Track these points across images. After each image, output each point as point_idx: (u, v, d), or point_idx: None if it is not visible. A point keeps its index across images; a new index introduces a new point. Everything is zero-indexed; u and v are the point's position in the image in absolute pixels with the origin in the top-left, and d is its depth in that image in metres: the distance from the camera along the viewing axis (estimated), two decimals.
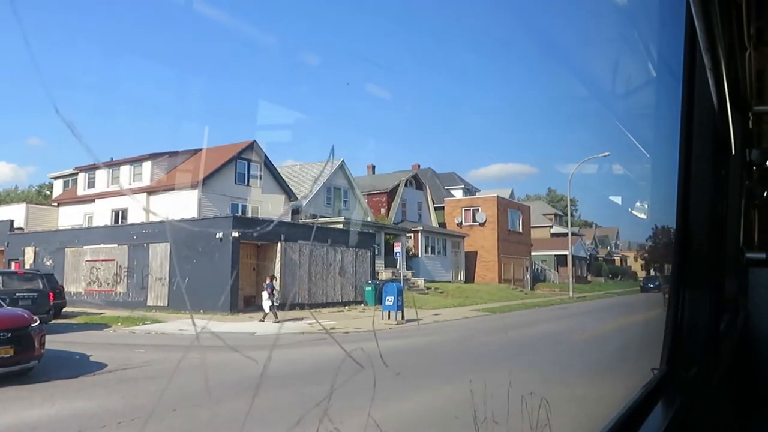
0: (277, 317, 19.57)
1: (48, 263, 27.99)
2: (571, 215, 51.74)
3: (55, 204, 37.48)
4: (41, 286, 18.83)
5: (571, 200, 51.08)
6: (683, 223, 2.18)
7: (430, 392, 8.13)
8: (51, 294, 19.06)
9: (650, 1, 2.82)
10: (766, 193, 4.17)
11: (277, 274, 25.11)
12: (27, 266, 27.33)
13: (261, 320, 19.89)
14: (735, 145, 2.66)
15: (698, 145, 2.34)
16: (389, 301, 20.71)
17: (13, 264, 28.55)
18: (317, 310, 24.35)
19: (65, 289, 23.19)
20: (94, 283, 27.19)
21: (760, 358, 3.15)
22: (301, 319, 18.46)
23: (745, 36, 2.81)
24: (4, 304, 10.45)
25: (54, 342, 10.35)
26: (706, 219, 2.26)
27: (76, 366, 10.32)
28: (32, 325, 9.56)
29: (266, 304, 20.61)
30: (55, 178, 40.02)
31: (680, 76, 2.39)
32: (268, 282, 21.15)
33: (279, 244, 25.29)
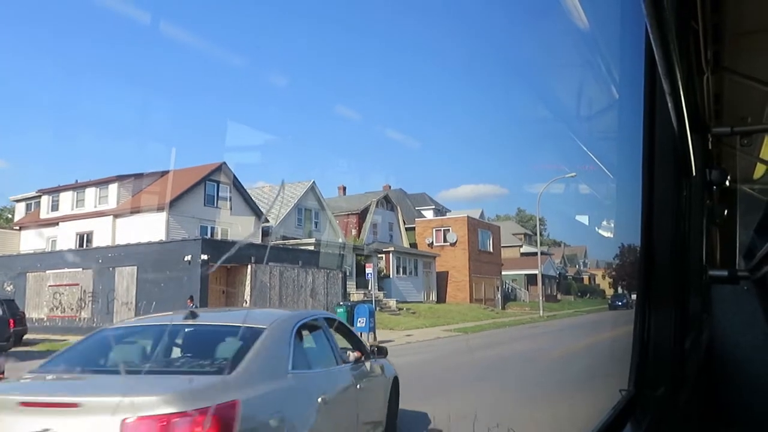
0: None
1: (8, 289, 27.14)
2: (541, 235, 52.43)
3: (17, 228, 36.50)
4: (1, 313, 18.22)
5: (540, 220, 51.80)
6: (647, 245, 2.22)
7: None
8: (11, 320, 18.45)
9: (611, 28, 2.91)
10: (726, 211, 4.30)
11: (247, 297, 24.78)
12: None
13: None
14: (695, 166, 2.74)
15: (660, 167, 2.40)
16: (361, 322, 20.59)
17: None
18: None
19: (27, 315, 22.47)
20: (57, 309, 26.44)
21: (725, 376, 3.21)
22: None
23: (702, 60, 2.91)
24: None
25: (14, 370, 9.98)
26: (670, 240, 2.31)
27: None
28: None
29: None
30: (18, 200, 39.03)
31: (641, 99, 2.46)
32: (190, 304, 20.13)
33: (249, 266, 25.01)
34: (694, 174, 2.69)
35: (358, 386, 5.26)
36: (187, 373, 3.96)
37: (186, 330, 4.74)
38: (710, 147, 3.45)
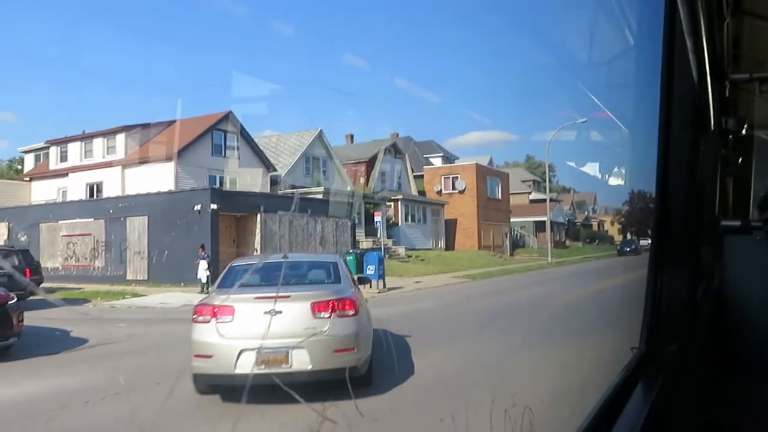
0: (208, 290, 18.07)
1: (23, 239, 27.53)
2: (550, 181, 52.12)
3: (27, 179, 36.68)
4: (17, 263, 18.53)
5: (549, 166, 51.40)
6: (662, 198, 2.18)
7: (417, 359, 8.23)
8: (27, 270, 18.78)
9: None
10: (740, 159, 4.22)
11: (257, 245, 25.01)
12: (1, 243, 26.84)
13: (200, 292, 18.74)
14: (713, 114, 2.67)
15: (677, 115, 2.34)
16: (371, 269, 20.81)
17: None
18: None
19: (42, 265, 22.86)
20: (71, 258, 26.85)
21: (735, 324, 3.22)
22: None
23: (723, 4, 2.80)
24: None
25: (33, 318, 10.24)
26: (685, 193, 2.27)
27: (57, 342, 10.24)
28: (9, 302, 9.43)
29: (204, 274, 19.77)
30: (26, 152, 39.08)
31: (659, 46, 2.38)
32: (201, 253, 20.37)
33: (258, 215, 25.14)
34: (711, 122, 2.63)
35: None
36: (321, 284, 7.28)
37: (295, 263, 8.21)
38: (728, 94, 3.36)
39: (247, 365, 5.94)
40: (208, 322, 6.31)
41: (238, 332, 6.13)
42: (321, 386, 5.00)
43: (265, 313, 5.97)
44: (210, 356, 6.20)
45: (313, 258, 10.05)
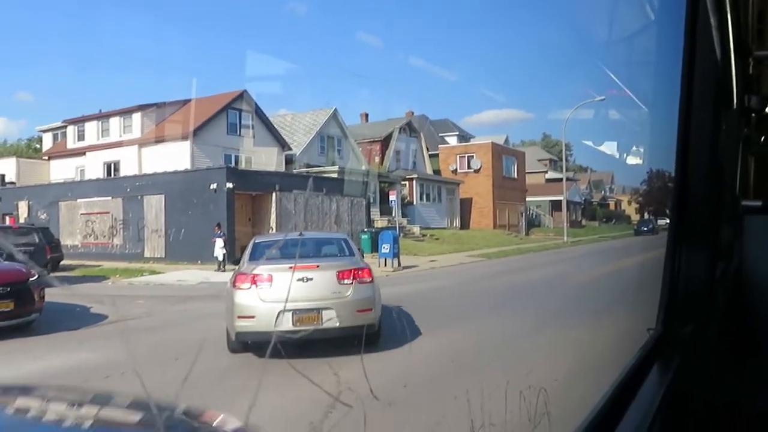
0: (224, 268, 18.81)
1: (42, 217, 27.93)
2: (566, 160, 51.56)
3: (46, 158, 37.08)
4: (37, 240, 18.84)
5: (566, 145, 50.84)
6: (681, 178, 2.14)
7: (428, 339, 8.26)
8: (47, 247, 19.09)
9: None
10: (762, 139, 4.13)
11: (272, 224, 25.16)
12: (21, 220, 27.26)
13: (217, 270, 19.49)
14: (736, 92, 2.61)
15: (699, 93, 2.29)
16: (385, 248, 20.86)
17: (7, 219, 28.44)
18: None
19: (62, 243, 23.22)
20: (90, 236, 27.22)
21: (754, 305, 3.19)
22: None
23: None
24: (1, 260, 10.45)
25: (53, 295, 10.42)
26: (706, 173, 2.23)
27: (77, 318, 10.41)
28: (31, 279, 9.60)
29: (220, 252, 20.26)
30: (44, 131, 39.43)
31: (682, 20, 2.32)
32: (217, 231, 20.79)
33: (274, 194, 25.24)
34: (734, 100, 2.57)
35: None
36: (338, 256, 8.31)
37: (311, 239, 9.60)
38: (751, 71, 3.27)
39: (285, 323, 6.96)
40: (248, 288, 7.26)
41: (276, 296, 7.06)
42: (344, 342, 6.58)
43: (299, 279, 7.21)
44: (253, 317, 7.13)
45: (325, 235, 12.12)
